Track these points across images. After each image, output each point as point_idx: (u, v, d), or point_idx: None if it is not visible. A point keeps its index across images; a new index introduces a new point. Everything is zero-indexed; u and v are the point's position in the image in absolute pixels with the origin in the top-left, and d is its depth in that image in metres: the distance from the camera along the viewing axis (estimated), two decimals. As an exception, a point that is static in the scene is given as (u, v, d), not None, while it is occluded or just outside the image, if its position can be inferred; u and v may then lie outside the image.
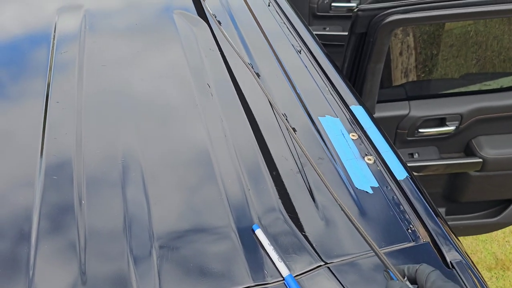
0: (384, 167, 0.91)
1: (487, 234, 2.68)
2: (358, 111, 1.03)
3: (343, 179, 0.87)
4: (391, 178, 0.89)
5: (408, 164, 1.94)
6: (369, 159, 0.93)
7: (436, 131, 1.86)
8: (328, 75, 1.12)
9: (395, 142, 1.93)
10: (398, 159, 0.93)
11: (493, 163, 1.87)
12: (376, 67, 1.63)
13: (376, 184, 0.87)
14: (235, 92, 1.08)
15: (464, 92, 1.83)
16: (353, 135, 0.98)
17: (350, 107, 1.03)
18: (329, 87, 1.10)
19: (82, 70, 1.12)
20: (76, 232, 0.78)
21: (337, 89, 1.08)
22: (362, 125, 1.00)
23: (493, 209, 2.16)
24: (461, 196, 2.06)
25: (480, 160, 1.88)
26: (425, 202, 0.85)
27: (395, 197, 0.85)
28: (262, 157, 0.92)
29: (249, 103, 1.05)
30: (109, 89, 1.09)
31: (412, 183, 0.88)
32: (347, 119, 1.02)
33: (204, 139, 0.96)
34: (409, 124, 1.85)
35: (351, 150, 0.94)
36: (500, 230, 2.69)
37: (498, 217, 2.13)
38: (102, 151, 0.93)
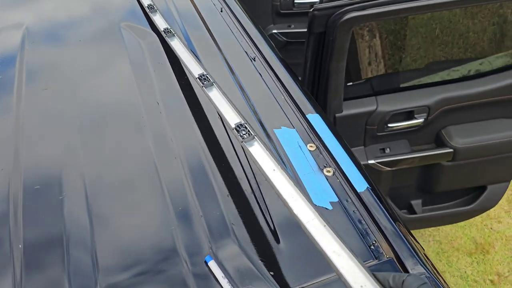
0: (343, 178, 0.87)
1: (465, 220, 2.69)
2: (315, 120, 0.98)
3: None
4: (351, 191, 0.85)
5: (381, 160, 1.94)
6: (328, 171, 0.88)
7: (405, 124, 1.84)
8: (284, 83, 1.08)
9: (365, 138, 1.90)
10: (358, 169, 0.89)
11: (463, 152, 1.86)
12: (338, 66, 1.60)
13: (335, 199, 0.83)
14: (186, 108, 1.02)
15: (430, 84, 1.81)
16: (311, 146, 0.93)
17: (306, 116, 0.99)
18: (284, 95, 1.05)
19: (21, 93, 1.05)
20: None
21: (293, 98, 1.04)
22: (320, 134, 0.95)
23: (467, 197, 2.16)
24: (435, 187, 2.05)
25: (451, 150, 1.86)
26: (387, 214, 0.81)
27: (355, 211, 0.81)
28: (215, 178, 0.87)
29: (199, 118, 1.00)
30: (51, 108, 1.02)
31: (373, 193, 0.84)
32: (305, 129, 0.97)
33: (152, 160, 0.90)
34: (378, 119, 1.82)
35: (308, 163, 0.89)
36: (477, 215, 2.70)
37: (473, 205, 2.13)
38: (42, 171, 0.88)
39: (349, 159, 0.90)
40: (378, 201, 0.83)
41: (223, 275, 0.72)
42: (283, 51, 2.27)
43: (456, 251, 2.65)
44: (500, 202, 2.83)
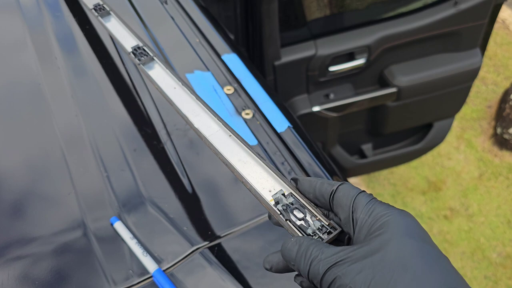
0: (264, 120, 0.80)
1: (417, 160, 2.73)
2: (232, 60, 0.89)
3: None
4: (272, 131, 0.78)
5: (326, 106, 1.89)
6: (247, 114, 0.81)
7: (346, 67, 1.79)
8: (198, 24, 0.97)
9: (308, 85, 1.84)
10: (280, 108, 0.81)
11: (407, 90, 1.84)
12: (270, 8, 1.50)
13: (255, 142, 0.76)
14: (84, 64, 0.91)
15: (368, 22, 1.74)
16: (228, 89, 0.85)
17: (221, 56, 0.90)
18: (198, 36, 0.95)
19: None
20: None
21: (207, 39, 0.94)
22: (237, 76, 0.87)
23: (415, 136, 2.17)
24: (383, 129, 2.04)
25: (395, 90, 1.83)
26: (310, 153, 0.75)
27: (277, 152, 0.75)
28: (120, 132, 0.78)
29: (98, 66, 0.89)
30: None
31: (296, 132, 0.78)
32: (221, 71, 0.89)
33: (50, 118, 0.80)
34: (318, 64, 1.75)
35: (225, 107, 0.81)
36: (429, 154, 2.74)
37: (422, 143, 2.15)
38: None
39: (270, 99, 0.82)
40: (301, 140, 0.76)
41: (131, 236, 0.65)
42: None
43: (410, 191, 2.69)
44: (449, 139, 2.89)
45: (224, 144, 0.51)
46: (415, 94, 1.88)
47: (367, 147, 2.17)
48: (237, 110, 0.81)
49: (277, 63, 1.72)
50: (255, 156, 0.49)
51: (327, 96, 1.88)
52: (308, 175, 0.69)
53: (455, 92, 1.95)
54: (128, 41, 0.72)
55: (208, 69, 0.88)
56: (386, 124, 2.01)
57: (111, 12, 0.81)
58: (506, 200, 2.64)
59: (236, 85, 0.86)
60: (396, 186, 2.73)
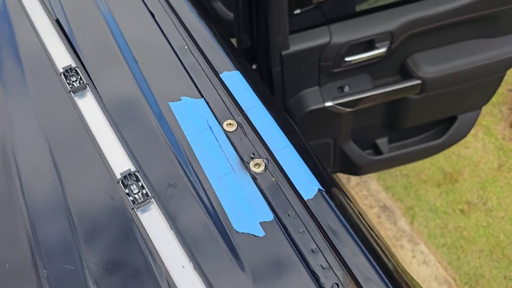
0: (282, 175, 0.57)
1: (432, 149, 2.52)
2: (234, 80, 0.66)
3: (212, 219, 0.53)
4: (294, 196, 0.55)
5: (339, 101, 1.65)
6: (257, 165, 0.58)
7: (365, 57, 1.54)
8: (188, 26, 0.73)
9: (319, 77, 1.60)
10: (303, 155, 0.59)
11: (433, 82, 1.60)
12: (278, -10, 1.24)
13: (270, 216, 0.54)
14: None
15: (391, 4, 1.48)
16: (229, 124, 0.62)
17: (220, 75, 0.67)
18: (187, 40, 0.71)
19: None
20: None
21: (199, 45, 0.70)
22: (242, 104, 0.64)
23: (436, 129, 1.95)
24: (402, 123, 1.81)
25: (419, 82, 1.59)
26: (354, 236, 0.52)
27: (303, 232, 0.53)
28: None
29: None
30: None
31: (330, 200, 0.55)
32: (220, 97, 0.65)
33: None
34: (333, 53, 1.51)
35: (224, 154, 0.59)
36: (445, 143, 2.53)
37: (444, 137, 1.93)
38: None
39: (289, 142, 0.60)
40: (338, 214, 0.54)
41: None
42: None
43: (424, 183, 2.50)
44: (468, 126, 2.66)
45: None
46: (442, 86, 1.64)
47: (382, 142, 1.95)
48: (241, 160, 0.59)
49: (285, 52, 1.48)
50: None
51: (341, 88, 1.65)
52: (354, 278, 0.47)
53: (485, 82, 1.71)
54: (61, 57, 0.50)
55: (201, 95, 0.65)
56: (406, 118, 1.78)
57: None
58: (527, 192, 2.45)
59: (240, 118, 0.63)
60: (409, 177, 2.53)
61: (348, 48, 1.50)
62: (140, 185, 0.58)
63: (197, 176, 0.58)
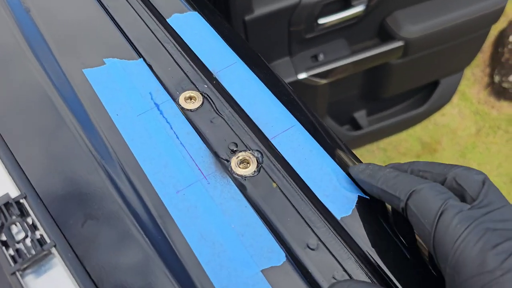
0: (288, 176, 0.34)
1: (408, 120, 2.37)
2: (191, 26, 0.42)
3: (174, 277, 0.30)
4: (318, 213, 0.33)
5: (314, 71, 1.43)
6: (244, 163, 0.36)
7: (340, 18, 1.32)
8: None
9: (290, 45, 1.37)
10: (328, 144, 0.36)
11: (417, 43, 1.41)
12: None
13: (280, 257, 0.31)
14: None
15: (369, -48, 1.27)
16: (189, 98, 0.39)
17: (167, 20, 0.43)
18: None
19: None
20: None
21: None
22: (209, 64, 0.40)
23: (417, 97, 1.78)
24: (383, 92, 1.62)
25: (401, 43, 1.40)
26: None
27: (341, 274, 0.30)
28: None
29: None
30: None
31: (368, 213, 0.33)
32: (171, 56, 0.41)
33: None
34: (305, 15, 1.29)
35: (185, 153, 0.35)
36: (421, 112, 2.39)
37: (426, 105, 1.76)
38: None
39: (295, 118, 0.37)
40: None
41: None
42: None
43: (403, 156, 2.35)
44: (443, 93, 2.53)
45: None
46: (426, 47, 1.46)
47: (360, 115, 1.76)
48: (216, 156, 0.36)
49: (248, 17, 1.24)
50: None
51: (315, 57, 1.43)
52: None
53: (470, 40, 1.54)
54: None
55: (137, 54, 0.41)
56: (388, 87, 1.60)
57: None
58: (507, 156, 2.36)
59: (207, 86, 0.40)
60: (386, 151, 2.38)
61: (321, 8, 1.28)
62: (30, 223, 0.34)
63: (138, 196, 0.35)
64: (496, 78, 2.41)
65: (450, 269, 0.29)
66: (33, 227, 0.36)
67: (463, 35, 1.48)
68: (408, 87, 1.65)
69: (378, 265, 0.32)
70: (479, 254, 0.27)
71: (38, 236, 0.36)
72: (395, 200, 0.33)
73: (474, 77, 2.59)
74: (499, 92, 2.45)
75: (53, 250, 0.35)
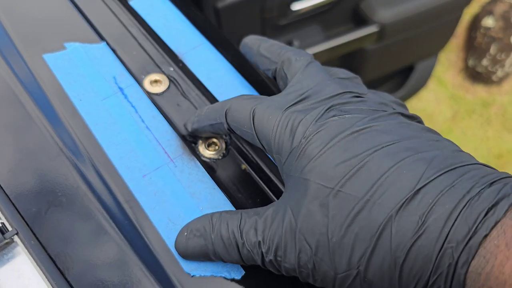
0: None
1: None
2: (155, 6, 0.41)
3: (141, 260, 0.30)
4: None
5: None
6: (212, 145, 0.35)
7: (314, 4, 1.32)
8: None
9: (264, 33, 1.37)
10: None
11: (392, 28, 1.42)
12: None
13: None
14: None
15: None
16: (155, 81, 0.38)
17: (128, 1, 0.42)
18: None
19: None
20: None
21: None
22: (173, 47, 0.39)
23: (393, 82, 1.79)
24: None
25: (375, 28, 1.40)
26: None
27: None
28: None
29: None
30: None
31: None
32: (133, 36, 0.40)
33: None
34: (277, 1, 1.28)
35: (151, 136, 0.35)
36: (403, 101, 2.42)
37: (403, 90, 1.78)
38: None
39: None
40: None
41: None
42: None
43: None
44: (419, 78, 2.56)
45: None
46: (401, 31, 1.46)
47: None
48: (183, 140, 0.35)
49: (220, 4, 1.22)
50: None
51: (289, 44, 1.42)
52: None
53: (444, 24, 1.56)
54: None
55: (99, 37, 0.39)
56: (363, 73, 1.60)
57: None
58: (482, 139, 2.40)
59: (173, 69, 0.39)
60: (365, 138, 2.40)
61: (294, -7, 1.28)
62: None
63: (103, 181, 0.34)
64: (470, 63, 2.45)
65: (276, 156, 0.32)
66: (-7, 216, 0.35)
67: (437, 19, 1.50)
68: (383, 73, 1.66)
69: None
70: (290, 135, 0.30)
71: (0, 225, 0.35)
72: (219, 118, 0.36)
73: (448, 62, 2.62)
74: (473, 76, 2.49)
75: (16, 238, 0.34)
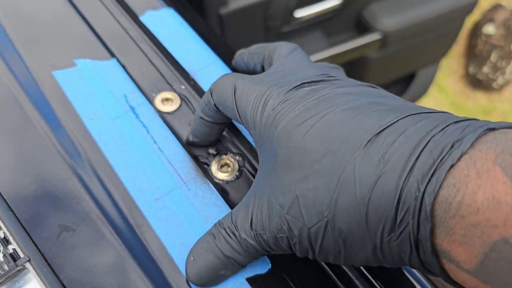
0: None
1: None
2: (166, 23, 0.41)
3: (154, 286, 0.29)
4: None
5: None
6: (225, 167, 0.35)
7: (317, 11, 1.32)
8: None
9: (267, 39, 1.36)
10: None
11: (395, 35, 1.42)
12: None
13: (267, 266, 0.30)
14: None
15: None
16: (167, 99, 0.38)
17: (139, 17, 0.41)
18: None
19: None
20: None
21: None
22: (185, 65, 0.39)
23: (395, 89, 1.79)
24: (360, 86, 1.62)
25: (378, 36, 1.40)
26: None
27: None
28: None
29: None
30: None
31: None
32: (145, 55, 0.40)
33: None
34: (281, 8, 1.28)
35: (163, 158, 0.34)
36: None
37: (403, 97, 1.77)
38: None
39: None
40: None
41: None
42: None
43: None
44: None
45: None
46: (404, 38, 1.46)
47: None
48: (196, 161, 0.34)
49: (224, 12, 1.22)
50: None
51: (293, 51, 1.41)
52: None
53: (446, 32, 1.56)
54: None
55: (110, 53, 0.39)
56: (365, 80, 1.59)
57: None
58: (482, 146, 2.40)
59: (184, 87, 0.38)
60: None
61: (297, 1, 1.27)
62: (2, 237, 0.32)
63: (115, 205, 0.33)
64: (471, 70, 2.45)
65: (252, 132, 0.33)
66: (5, 241, 0.34)
67: (439, 27, 1.49)
68: (385, 80, 1.66)
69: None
70: (262, 108, 0.31)
71: (11, 251, 0.34)
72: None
73: (449, 69, 2.63)
74: (474, 83, 2.49)
75: (27, 265, 0.33)
